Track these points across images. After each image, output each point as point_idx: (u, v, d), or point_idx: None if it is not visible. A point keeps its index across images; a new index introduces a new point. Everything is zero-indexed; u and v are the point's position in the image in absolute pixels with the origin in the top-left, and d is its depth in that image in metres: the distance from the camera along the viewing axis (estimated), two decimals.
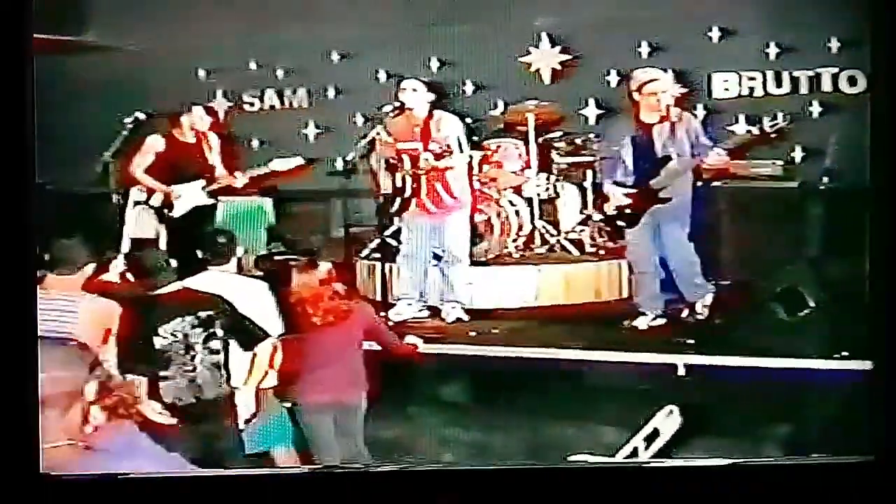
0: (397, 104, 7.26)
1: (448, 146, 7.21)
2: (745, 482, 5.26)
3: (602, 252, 7.75)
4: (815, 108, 7.47)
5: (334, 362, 5.75)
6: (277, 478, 5.61)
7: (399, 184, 7.30)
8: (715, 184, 7.13)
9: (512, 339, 6.84)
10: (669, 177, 6.83)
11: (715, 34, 7.71)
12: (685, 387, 6.09)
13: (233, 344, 5.45)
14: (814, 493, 5.13)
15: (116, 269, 5.80)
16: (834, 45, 7.32)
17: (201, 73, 8.47)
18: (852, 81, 7.30)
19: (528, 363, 6.43)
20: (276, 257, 7.28)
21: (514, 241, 7.82)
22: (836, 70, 7.38)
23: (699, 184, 6.99)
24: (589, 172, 7.87)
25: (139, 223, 7.34)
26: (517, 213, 7.83)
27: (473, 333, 7.00)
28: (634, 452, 5.79)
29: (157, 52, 8.08)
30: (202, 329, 5.35)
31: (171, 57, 8.12)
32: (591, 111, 8.11)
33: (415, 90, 7.26)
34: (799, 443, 5.63)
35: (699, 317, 6.88)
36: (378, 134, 7.40)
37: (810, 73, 7.49)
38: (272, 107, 8.62)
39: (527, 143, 7.81)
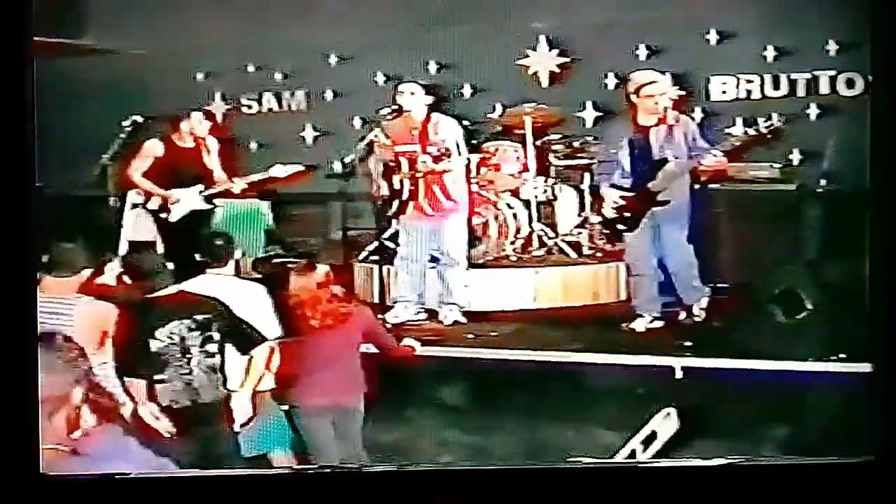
0: (395, 107, 7.26)
1: (446, 149, 7.21)
2: (745, 482, 5.27)
3: (600, 254, 7.75)
4: (813, 111, 7.47)
5: (332, 365, 5.75)
6: (276, 478, 5.62)
7: (397, 186, 7.31)
8: (713, 186, 7.12)
9: (510, 341, 6.83)
10: (667, 179, 6.83)
11: (713, 37, 7.71)
12: (682, 389, 6.08)
13: (229, 347, 5.45)
14: (814, 493, 5.13)
15: (112, 271, 5.80)
16: (832, 47, 7.32)
17: (199, 75, 8.47)
18: (850, 84, 7.30)
19: (525, 365, 6.42)
20: (275, 260, 7.29)
21: (512, 243, 7.82)
22: (833, 73, 7.37)
23: (696, 186, 6.99)
24: (587, 175, 7.86)
25: (137, 226, 7.35)
26: (515, 215, 7.84)
27: (471, 336, 6.99)
28: (632, 454, 5.80)
29: (155, 54, 8.08)
30: (199, 332, 5.36)
31: (169, 60, 8.12)
32: (589, 114, 8.11)
33: (413, 93, 7.26)
34: (798, 444, 5.63)
35: (696, 319, 6.88)
36: (376, 137, 7.40)
37: (808, 75, 7.48)
38: (270, 109, 8.62)
39: (525, 146, 7.81)
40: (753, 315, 6.44)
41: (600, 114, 8.08)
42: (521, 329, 7.09)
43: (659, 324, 6.93)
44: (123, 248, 7.13)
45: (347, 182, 7.57)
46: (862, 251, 5.67)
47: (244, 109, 8.60)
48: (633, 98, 6.89)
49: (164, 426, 5.33)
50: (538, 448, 6.00)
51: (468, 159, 7.45)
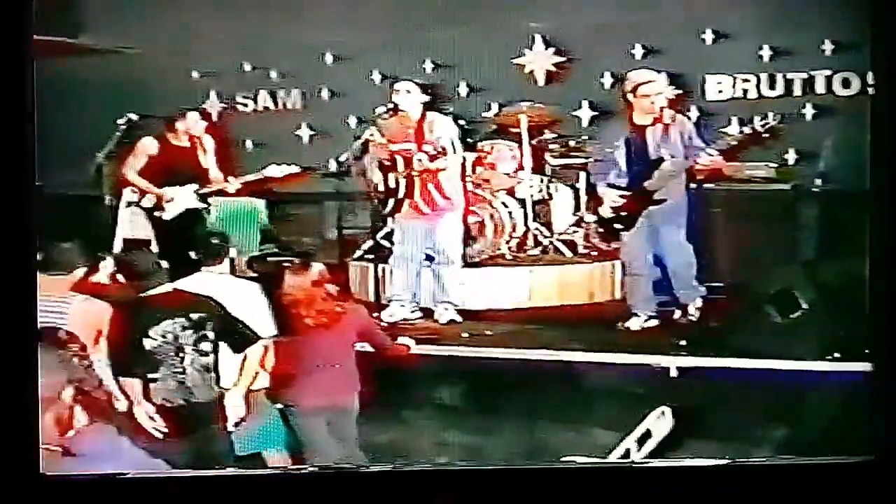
0: (391, 105, 7.26)
1: (442, 147, 7.21)
2: (743, 482, 5.27)
3: (595, 253, 7.76)
4: (809, 111, 7.47)
5: (327, 364, 5.75)
6: (274, 478, 5.62)
7: (392, 185, 7.30)
8: (708, 186, 7.12)
9: (505, 340, 6.83)
10: (663, 178, 6.83)
11: (709, 36, 7.71)
12: (677, 388, 6.09)
13: (223, 346, 5.45)
14: (814, 493, 5.13)
15: (106, 270, 5.79)
16: (828, 47, 7.32)
17: (195, 74, 8.46)
18: (846, 84, 7.30)
19: (520, 364, 6.42)
20: (270, 258, 7.28)
21: (508, 242, 7.82)
22: (829, 72, 7.38)
23: (692, 186, 6.99)
24: (582, 174, 7.86)
25: (132, 224, 7.34)
26: (510, 214, 7.83)
27: (466, 335, 6.99)
28: (627, 454, 5.80)
29: (151, 53, 8.07)
30: (193, 331, 5.35)
31: (164, 58, 8.10)
32: (585, 113, 8.10)
33: (409, 92, 7.26)
34: (798, 444, 5.63)
35: (691, 319, 6.88)
36: (371, 135, 7.39)
37: (804, 75, 7.48)
38: (266, 108, 8.61)
39: (520, 145, 7.81)
40: (748, 314, 6.44)
41: (596, 113, 8.07)
42: (517, 328, 7.09)
43: (654, 323, 6.93)
44: (118, 247, 7.12)
45: (343, 181, 7.57)
46: (857, 251, 5.67)
47: (240, 108, 8.58)
48: (630, 97, 6.90)
49: (158, 426, 5.32)
50: (533, 447, 6.00)
51: (463, 157, 7.45)
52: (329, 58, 8.46)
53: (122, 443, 3.73)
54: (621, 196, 6.92)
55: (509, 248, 7.82)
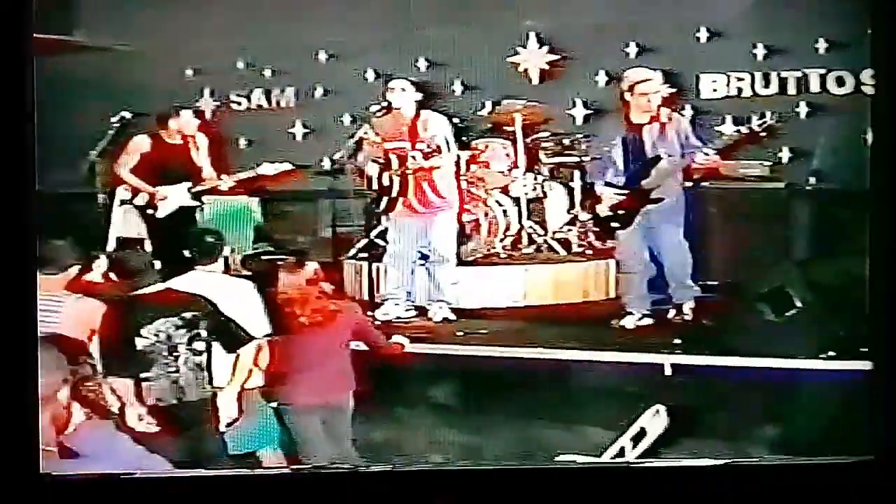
0: (385, 104, 7.25)
1: (437, 146, 7.20)
2: (741, 482, 5.27)
3: (590, 252, 7.76)
4: (803, 109, 7.48)
5: (321, 362, 5.73)
6: (274, 478, 5.61)
7: (386, 183, 7.29)
8: (702, 184, 7.13)
9: (499, 338, 6.82)
10: (660, 177, 6.83)
11: (703, 35, 7.72)
12: (672, 386, 6.08)
13: (216, 345, 5.43)
14: (814, 493, 5.13)
15: (99, 268, 5.77)
16: (822, 45, 7.33)
17: (189, 72, 8.45)
18: (840, 82, 7.32)
19: (515, 363, 6.41)
20: (264, 257, 7.27)
21: (502, 240, 7.83)
22: (823, 71, 7.39)
23: (688, 184, 6.99)
24: (576, 172, 7.87)
25: (125, 223, 7.33)
26: (505, 213, 7.84)
27: (460, 333, 6.98)
28: (621, 452, 5.79)
29: (145, 51, 8.07)
30: (186, 330, 5.33)
31: (158, 56, 8.11)
32: (579, 111, 8.12)
33: (403, 90, 7.25)
34: (797, 443, 5.62)
35: (686, 317, 6.88)
36: (365, 134, 7.37)
37: (798, 73, 7.49)
38: (260, 106, 8.61)
39: (514, 143, 7.81)
40: (742, 313, 6.44)
41: (590, 111, 8.09)
42: (511, 326, 7.08)
43: (648, 321, 6.93)
44: (112, 246, 7.10)
45: (337, 179, 7.56)
46: (852, 249, 5.68)
47: (233, 106, 8.58)
48: (627, 96, 6.88)
49: (150, 428, 5.30)
50: (528, 446, 6.00)
51: (458, 156, 7.44)
52: (323, 56, 8.46)
53: (120, 439, 3.73)
54: (618, 194, 6.91)
55: (503, 247, 7.83)
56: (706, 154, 6.76)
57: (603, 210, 7.00)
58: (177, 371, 5.33)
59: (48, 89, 5.65)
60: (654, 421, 5.82)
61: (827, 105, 7.38)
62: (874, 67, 5.55)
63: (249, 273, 6.88)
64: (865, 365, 5.43)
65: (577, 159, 7.89)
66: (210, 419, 5.48)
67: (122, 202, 7.36)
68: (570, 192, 7.94)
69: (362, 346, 5.94)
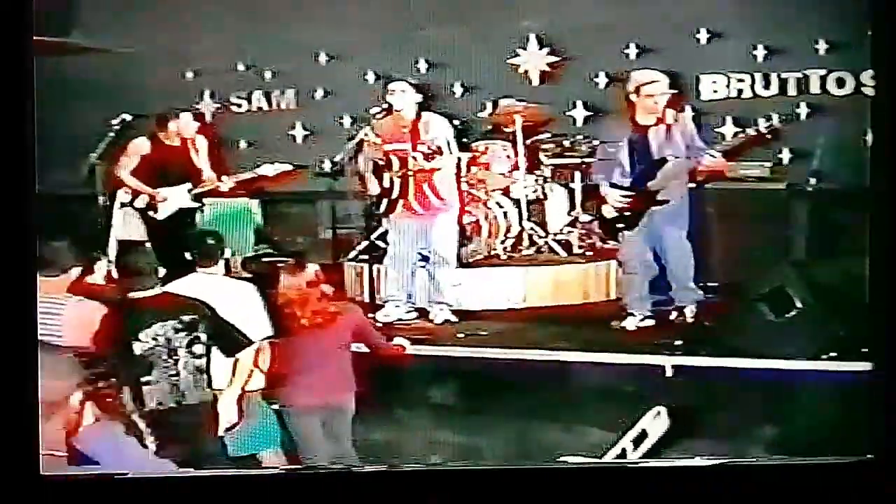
0: (385, 105, 7.24)
1: (438, 147, 7.19)
2: (741, 482, 5.27)
3: (590, 253, 7.76)
4: (803, 110, 7.47)
5: (322, 364, 5.73)
6: (272, 478, 5.61)
7: (386, 185, 7.29)
8: (704, 185, 7.12)
9: (500, 340, 6.83)
10: (667, 179, 6.82)
11: (703, 36, 7.72)
12: (673, 388, 6.08)
13: (215, 350, 5.42)
14: (814, 493, 5.13)
15: (101, 271, 5.77)
16: (822, 46, 7.33)
17: (189, 74, 8.46)
18: (840, 83, 7.32)
19: (515, 364, 6.42)
20: (264, 259, 7.27)
21: (502, 242, 7.83)
22: (823, 72, 7.39)
23: (691, 186, 6.99)
24: (577, 174, 7.86)
25: (126, 225, 7.32)
26: (505, 214, 7.83)
27: (461, 335, 6.99)
28: (622, 454, 5.79)
29: (145, 53, 8.06)
30: (186, 333, 5.32)
31: (159, 58, 8.11)
32: (579, 113, 8.12)
33: (403, 91, 7.24)
34: (797, 444, 5.62)
35: (687, 319, 6.87)
36: (366, 135, 7.37)
37: (798, 74, 7.49)
38: (260, 108, 8.61)
39: (515, 145, 7.81)
40: (743, 314, 6.44)
41: (590, 113, 8.09)
42: (511, 328, 7.08)
43: (649, 323, 6.92)
44: (113, 248, 7.10)
45: (337, 181, 7.56)
46: (852, 249, 5.68)
47: (234, 108, 8.58)
48: (633, 97, 6.87)
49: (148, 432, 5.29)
50: (528, 447, 6.00)
51: (458, 158, 7.44)
52: (323, 57, 8.46)
53: (129, 442, 3.72)
54: (625, 196, 6.89)
55: (504, 249, 7.82)
56: (713, 156, 6.75)
57: (609, 211, 6.99)
58: (176, 374, 5.32)
59: (48, 91, 5.65)
60: (656, 423, 5.82)
61: (827, 106, 7.37)
62: (874, 68, 5.56)
63: (250, 275, 6.88)
64: (866, 366, 5.43)
65: (577, 161, 7.88)
66: (210, 422, 5.47)
67: (123, 205, 7.36)
68: (571, 193, 7.93)
69: (363, 348, 5.94)
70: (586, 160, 7.73)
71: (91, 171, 7.29)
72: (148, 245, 7.21)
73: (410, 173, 7.22)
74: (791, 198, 7.19)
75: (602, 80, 8.01)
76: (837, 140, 7.09)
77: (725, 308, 6.75)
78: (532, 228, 7.85)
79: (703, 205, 7.07)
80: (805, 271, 6.32)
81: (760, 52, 7.54)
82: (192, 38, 8.05)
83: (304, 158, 7.97)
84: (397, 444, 6.09)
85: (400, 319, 7.25)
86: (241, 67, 8.49)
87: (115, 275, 5.89)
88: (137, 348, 5.29)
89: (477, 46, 8.02)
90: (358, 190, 7.62)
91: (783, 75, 7.53)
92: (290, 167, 7.53)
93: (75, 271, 5.39)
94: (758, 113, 7.07)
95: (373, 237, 7.66)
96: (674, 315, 6.92)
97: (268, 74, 8.53)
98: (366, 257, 7.57)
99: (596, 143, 7.54)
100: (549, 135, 8.02)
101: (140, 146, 7.41)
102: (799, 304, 6.11)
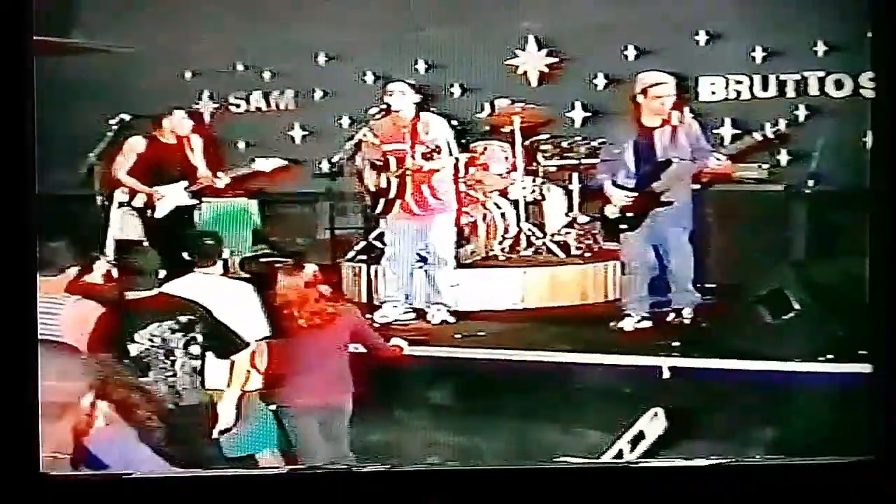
0: (383, 106, 7.24)
1: (437, 146, 7.19)
2: (740, 483, 5.26)
3: (588, 254, 7.77)
4: (802, 112, 7.48)
5: (320, 365, 5.73)
6: (271, 479, 5.60)
7: (384, 185, 7.29)
8: (702, 187, 7.12)
9: (498, 341, 6.81)
10: (671, 180, 6.81)
11: (702, 38, 7.73)
12: (670, 389, 6.08)
13: (211, 352, 5.41)
14: (813, 493, 5.13)
15: (100, 270, 5.77)
16: (820, 48, 7.34)
17: (188, 74, 8.46)
18: (839, 85, 7.33)
19: (513, 365, 6.42)
20: (262, 259, 7.27)
21: (500, 243, 7.83)
22: (822, 74, 7.39)
23: (696, 187, 6.99)
24: (575, 175, 7.87)
25: (123, 225, 7.32)
26: (503, 215, 7.84)
27: (459, 336, 6.98)
28: (620, 455, 5.79)
29: (145, 53, 8.07)
30: (182, 334, 5.32)
31: (158, 58, 8.11)
32: (578, 114, 8.13)
33: (402, 92, 7.23)
34: (797, 444, 5.61)
35: (685, 320, 6.88)
36: (364, 136, 7.37)
37: (797, 76, 7.50)
38: (259, 108, 8.62)
39: (513, 146, 7.81)
40: (741, 315, 6.44)
41: (588, 114, 8.09)
42: (509, 329, 7.08)
43: (647, 324, 6.92)
44: (110, 247, 7.09)
45: (335, 181, 7.55)
46: (850, 251, 5.68)
47: (232, 108, 8.59)
48: (640, 98, 6.85)
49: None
50: (526, 448, 6.00)
51: (457, 158, 7.44)
52: (322, 58, 8.47)
53: (141, 445, 3.72)
54: (628, 197, 6.88)
55: (502, 249, 7.82)
56: (718, 159, 6.75)
57: (611, 211, 6.98)
58: (174, 375, 5.32)
59: (48, 91, 5.65)
60: (653, 424, 5.81)
61: (826, 108, 7.38)
62: (873, 70, 5.56)
63: (248, 275, 6.88)
64: (865, 367, 5.43)
65: (575, 162, 7.89)
66: (207, 424, 5.47)
67: (121, 204, 7.36)
68: (569, 194, 7.94)
69: (361, 349, 5.94)
70: (584, 161, 7.74)
71: (90, 170, 7.29)
72: (146, 244, 7.22)
73: (408, 174, 7.22)
74: (789, 199, 7.19)
75: (601, 81, 8.01)
76: (836, 142, 7.09)
77: (724, 309, 6.75)
78: (530, 229, 7.85)
79: (702, 206, 7.06)
80: (803, 273, 6.31)
81: (759, 54, 7.55)
82: (192, 38, 8.05)
83: (303, 159, 7.97)
84: (395, 444, 6.09)
85: (398, 320, 7.24)
86: (240, 68, 8.49)
87: (113, 275, 5.88)
88: (134, 349, 5.28)
89: (476, 47, 8.02)
90: (356, 190, 7.62)
91: (782, 77, 7.54)
92: (284, 162, 7.53)
93: (73, 271, 5.39)
94: (757, 115, 7.07)
95: (371, 238, 7.67)
96: (671, 316, 6.92)
97: (267, 75, 8.54)
98: (364, 258, 7.58)
99: (594, 144, 7.56)
100: (547, 136, 8.03)
101: (135, 145, 7.41)
102: (797, 306, 6.10)
